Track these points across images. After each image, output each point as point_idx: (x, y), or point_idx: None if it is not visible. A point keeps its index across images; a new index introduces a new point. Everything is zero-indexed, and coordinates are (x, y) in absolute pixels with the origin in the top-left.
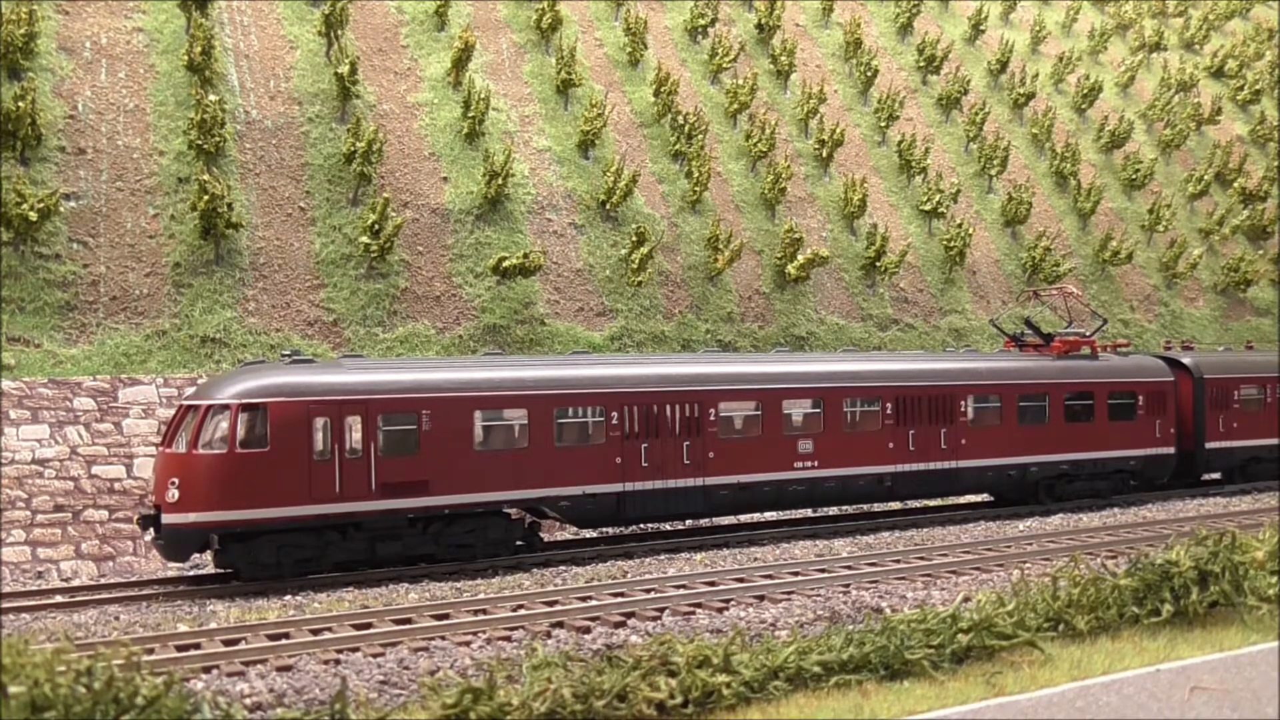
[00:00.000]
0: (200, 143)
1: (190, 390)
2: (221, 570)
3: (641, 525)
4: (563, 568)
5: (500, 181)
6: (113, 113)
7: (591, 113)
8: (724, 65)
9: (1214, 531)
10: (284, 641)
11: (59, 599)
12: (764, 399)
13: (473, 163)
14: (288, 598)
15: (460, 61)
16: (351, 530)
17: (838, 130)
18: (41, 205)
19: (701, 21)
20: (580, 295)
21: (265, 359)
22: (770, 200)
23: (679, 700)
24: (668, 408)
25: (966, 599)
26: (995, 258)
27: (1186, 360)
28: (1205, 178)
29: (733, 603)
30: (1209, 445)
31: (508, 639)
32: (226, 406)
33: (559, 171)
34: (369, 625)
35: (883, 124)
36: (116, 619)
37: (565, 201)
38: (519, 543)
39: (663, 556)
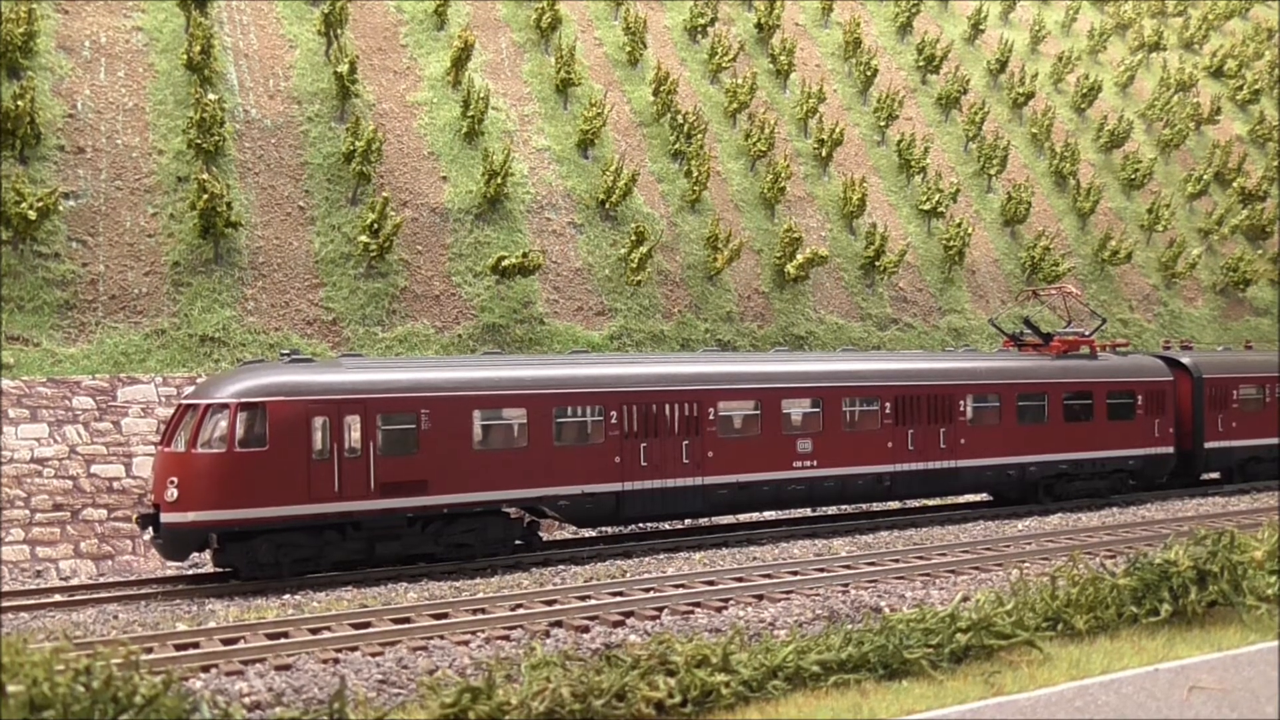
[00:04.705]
0: (199, 142)
1: (189, 389)
2: (220, 569)
3: (640, 525)
4: (561, 567)
5: (499, 181)
6: (112, 112)
7: (591, 112)
8: (723, 65)
9: (1213, 531)
10: (283, 641)
11: (58, 598)
12: (763, 398)
13: (472, 162)
14: (286, 597)
15: (459, 61)
16: (350, 530)
17: (837, 130)
18: (40, 204)
19: (701, 21)
20: (579, 294)
21: (264, 358)
22: (769, 200)
23: (678, 699)
24: (667, 407)
25: (965, 598)
26: (994, 257)
27: (1185, 360)
28: (1204, 177)
29: (731, 602)
30: (1208, 445)
31: (506, 638)
32: (225, 406)
33: (558, 171)
34: (368, 624)
35: (882, 123)
36: (115, 618)
37: (564, 201)
38: (518, 542)
39: (661, 556)
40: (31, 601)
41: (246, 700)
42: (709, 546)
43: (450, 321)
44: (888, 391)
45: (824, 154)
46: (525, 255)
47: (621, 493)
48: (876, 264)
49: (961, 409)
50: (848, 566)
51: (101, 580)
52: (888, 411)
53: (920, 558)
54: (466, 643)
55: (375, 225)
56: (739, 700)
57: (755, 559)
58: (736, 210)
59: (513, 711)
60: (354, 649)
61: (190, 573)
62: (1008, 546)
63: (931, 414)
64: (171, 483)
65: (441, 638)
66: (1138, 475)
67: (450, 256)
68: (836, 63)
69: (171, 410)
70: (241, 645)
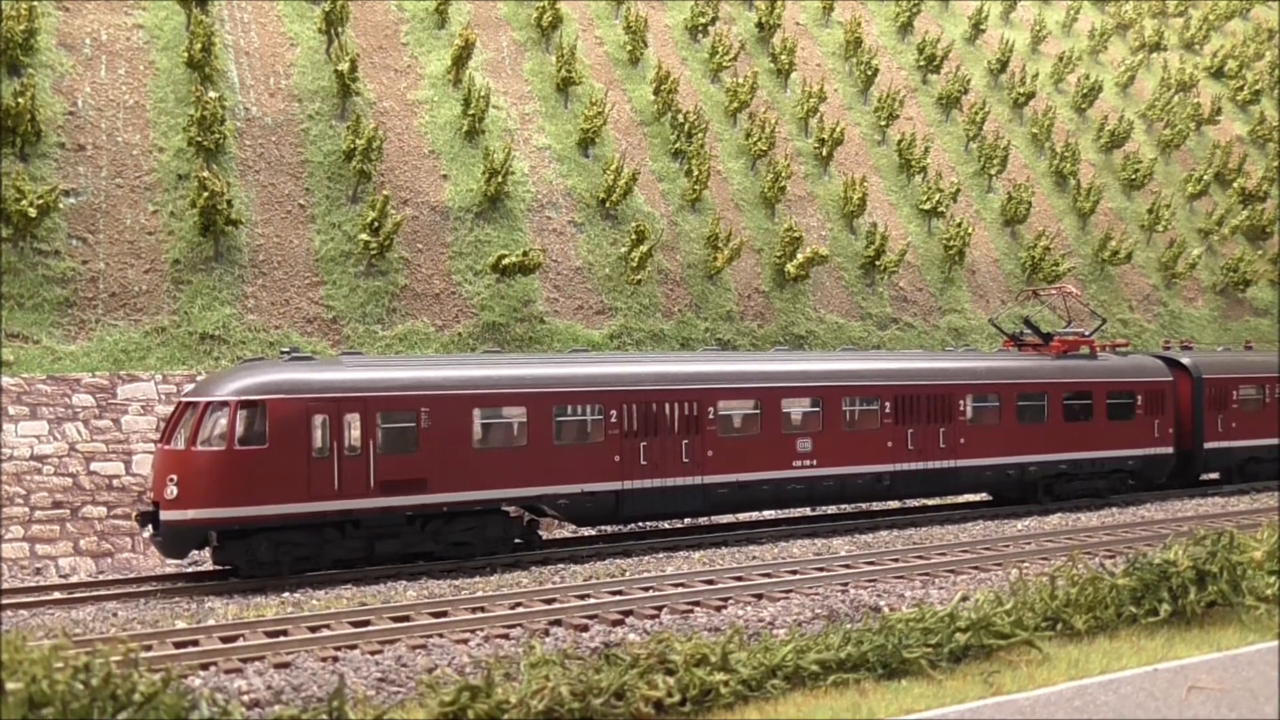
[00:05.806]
0: (200, 139)
1: (189, 387)
2: (220, 567)
3: (640, 524)
4: (561, 566)
5: (500, 179)
6: (112, 109)
7: (591, 111)
8: (724, 64)
9: (1212, 531)
10: (282, 639)
11: (57, 595)
12: (763, 398)
13: (472, 160)
14: (286, 595)
15: (460, 59)
16: (350, 528)
17: (837, 129)
18: (41, 202)
19: (702, 20)
20: (579, 293)
21: (264, 356)
22: (770, 199)
23: (677, 699)
24: (666, 406)
25: (964, 598)
26: (994, 257)
27: (1185, 360)
28: (1205, 178)
29: (731, 601)
30: (1207, 445)
31: (506, 637)
32: (225, 404)
33: (559, 169)
34: (367, 623)
35: (882, 123)
36: (114, 616)
37: (565, 199)
38: (517, 541)
39: (661, 555)
40: (31, 599)
41: (245, 698)
42: (708, 546)
43: (450, 320)
44: (887, 391)
45: (824, 153)
46: (525, 254)
47: (621, 491)
48: (877, 263)
49: (961, 409)
50: (847, 566)
51: (101, 578)
52: (887, 411)
53: (919, 557)
54: (466, 641)
55: (375, 223)
56: (738, 699)
57: (754, 558)
58: (737, 209)
59: (511, 710)
60: (353, 647)
61: (190, 571)
62: (1007, 546)
63: (931, 414)
64: (171, 480)
65: (440, 636)
66: (1137, 475)
67: (450, 255)
68: (837, 62)
69: (171, 408)
70: (241, 643)
